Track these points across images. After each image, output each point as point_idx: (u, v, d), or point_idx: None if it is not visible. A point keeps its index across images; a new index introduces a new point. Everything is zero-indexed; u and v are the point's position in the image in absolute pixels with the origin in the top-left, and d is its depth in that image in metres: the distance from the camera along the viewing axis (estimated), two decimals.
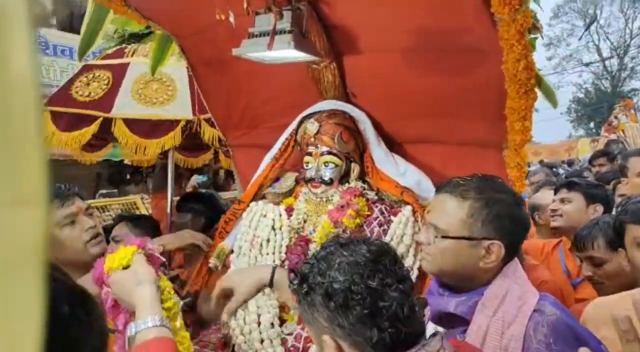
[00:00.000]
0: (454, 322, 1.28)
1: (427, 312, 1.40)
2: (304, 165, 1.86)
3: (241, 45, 1.54)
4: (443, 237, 1.27)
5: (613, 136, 8.82)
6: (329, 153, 1.81)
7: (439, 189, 1.39)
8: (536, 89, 1.52)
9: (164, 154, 3.28)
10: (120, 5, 1.69)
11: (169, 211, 3.14)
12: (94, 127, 2.74)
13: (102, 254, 1.72)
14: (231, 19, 1.34)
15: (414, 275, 1.57)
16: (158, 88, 2.92)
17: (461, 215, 1.26)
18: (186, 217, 2.80)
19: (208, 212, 2.78)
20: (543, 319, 1.17)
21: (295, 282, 1.04)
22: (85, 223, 1.71)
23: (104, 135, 2.96)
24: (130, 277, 1.29)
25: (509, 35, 1.34)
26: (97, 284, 1.35)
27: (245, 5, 1.40)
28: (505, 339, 1.17)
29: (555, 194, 2.71)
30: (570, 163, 11.63)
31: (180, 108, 2.90)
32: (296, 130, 1.92)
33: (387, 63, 1.79)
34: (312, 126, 1.83)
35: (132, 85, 2.88)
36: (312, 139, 1.83)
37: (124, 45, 3.04)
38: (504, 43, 1.38)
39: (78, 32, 2.05)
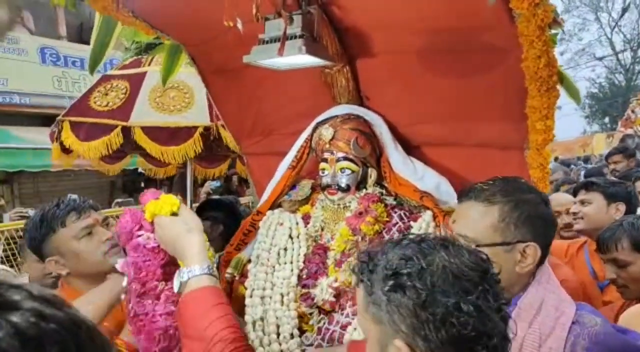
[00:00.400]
0: None
1: None
2: (320, 171, 1.82)
3: (251, 52, 1.51)
4: (476, 245, 1.19)
5: (630, 131, 8.69)
6: (345, 159, 1.77)
7: (460, 196, 1.35)
8: (558, 86, 1.47)
9: (183, 164, 3.32)
10: (127, 16, 1.67)
11: None
12: (114, 136, 2.78)
13: None
14: (239, 25, 1.31)
15: None
16: (175, 95, 2.96)
17: (491, 221, 1.23)
18: (204, 225, 2.79)
19: (227, 219, 2.76)
20: (583, 332, 1.12)
21: (367, 267, 0.92)
22: (103, 234, 1.71)
23: (125, 146, 2.99)
24: (180, 223, 1.30)
25: (529, 31, 1.29)
26: (124, 236, 1.37)
27: (254, 11, 1.36)
28: (542, 351, 1.12)
29: (574, 195, 2.65)
30: (586, 159, 11.48)
31: (197, 115, 2.93)
32: (311, 136, 1.88)
33: (402, 65, 1.74)
34: (327, 132, 1.80)
35: (149, 94, 2.93)
36: (328, 145, 1.79)
37: (141, 56, 3.07)
38: (524, 39, 1.33)
39: (88, 43, 2.06)
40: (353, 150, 1.76)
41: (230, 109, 2.29)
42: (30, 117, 3.02)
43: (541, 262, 1.25)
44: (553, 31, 1.40)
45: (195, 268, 1.21)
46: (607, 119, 26.12)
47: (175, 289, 1.23)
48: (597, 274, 2.46)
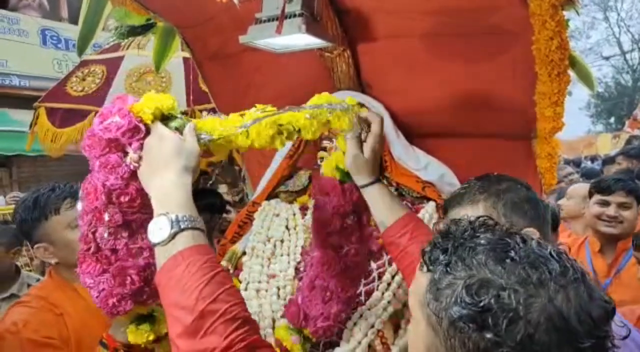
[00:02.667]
0: None
1: None
2: (318, 160, 1.75)
3: (248, 32, 1.44)
4: None
5: (636, 131, 8.61)
6: None
7: (446, 209, 1.32)
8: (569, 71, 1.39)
9: None
10: None
11: None
12: (88, 123, 2.69)
13: None
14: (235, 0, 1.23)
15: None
16: (152, 80, 2.89)
17: None
18: (202, 215, 2.74)
19: (222, 206, 2.77)
20: None
21: (443, 258, 0.70)
22: None
23: None
24: (180, 148, 0.98)
25: (541, 10, 1.21)
26: (107, 143, 0.98)
27: None
28: None
29: (598, 194, 2.51)
30: (593, 159, 11.39)
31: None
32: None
33: (406, 50, 1.67)
34: None
35: (125, 79, 2.86)
36: (326, 133, 1.72)
37: (121, 40, 3.01)
38: (536, 20, 1.25)
39: None
40: None
41: (226, 96, 2.21)
42: (29, 99, 2.97)
43: None
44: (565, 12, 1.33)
45: (192, 217, 0.92)
46: (612, 119, 25.95)
47: (156, 239, 0.90)
48: (597, 272, 2.44)
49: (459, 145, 1.82)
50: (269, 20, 1.40)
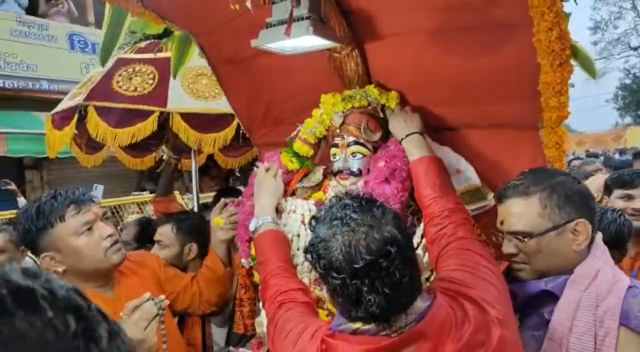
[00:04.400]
0: (541, 304, 1.31)
1: None
2: (331, 157, 1.81)
3: (259, 36, 1.50)
4: (531, 238, 1.31)
5: None
6: (356, 143, 1.75)
7: (499, 198, 1.44)
8: (572, 61, 1.42)
9: (179, 155, 3.25)
10: (137, 7, 1.69)
11: (196, 209, 3.15)
12: (151, 123, 2.69)
13: (121, 263, 1.70)
14: (248, 4, 1.30)
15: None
16: (207, 83, 2.88)
17: (535, 210, 1.32)
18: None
19: None
20: None
21: (313, 225, 1.17)
22: (103, 230, 1.62)
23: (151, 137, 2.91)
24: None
25: (539, 2, 1.25)
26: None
27: None
28: (600, 310, 1.18)
29: (620, 189, 2.47)
30: (621, 152, 11.13)
31: None
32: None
33: (412, 47, 1.71)
34: (337, 117, 1.79)
35: (181, 80, 2.83)
36: (338, 130, 1.78)
37: (156, 40, 2.96)
38: (535, 11, 1.29)
39: None
40: (364, 134, 1.74)
41: (241, 100, 2.29)
42: (58, 103, 3.03)
43: (593, 238, 1.32)
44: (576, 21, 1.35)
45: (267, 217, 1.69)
46: None
47: (252, 228, 1.71)
48: (620, 266, 2.40)
49: (468, 136, 1.85)
50: (278, 24, 1.47)
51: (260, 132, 2.35)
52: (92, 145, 3.20)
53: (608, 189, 2.55)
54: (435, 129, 1.90)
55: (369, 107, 1.79)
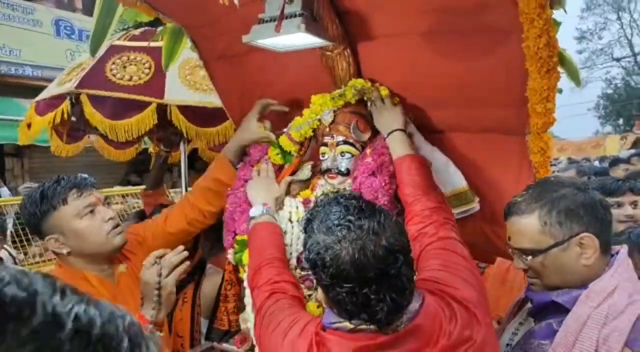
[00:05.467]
0: (551, 314, 1.29)
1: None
2: (320, 156, 1.82)
3: (251, 32, 1.50)
4: (535, 256, 1.29)
5: None
6: (345, 143, 1.76)
7: (505, 216, 1.42)
8: (559, 68, 1.44)
9: (170, 148, 3.17)
10: None
11: None
12: (148, 115, 2.58)
13: (123, 246, 1.73)
14: (235, 1, 1.30)
15: None
16: (205, 75, 2.63)
17: (536, 228, 1.29)
18: None
19: None
20: None
21: (308, 228, 1.15)
22: (105, 213, 1.68)
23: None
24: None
25: (529, 9, 1.27)
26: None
27: None
28: (607, 329, 1.14)
29: (607, 197, 2.48)
30: (601, 160, 11.33)
31: None
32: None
33: (403, 48, 1.73)
34: (327, 116, 1.79)
35: (178, 71, 2.74)
36: (328, 129, 1.79)
37: (150, 28, 2.86)
38: (524, 18, 1.31)
39: None
40: (353, 134, 1.75)
41: (232, 95, 2.28)
42: (42, 90, 2.89)
43: (607, 248, 1.28)
44: (566, 28, 1.37)
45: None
46: (621, 121, 25.74)
47: (253, 214, 1.72)
48: None
49: (456, 139, 1.87)
50: (271, 21, 1.46)
51: None
52: (74, 135, 3.10)
53: None
54: (422, 131, 1.92)
55: (361, 104, 1.81)
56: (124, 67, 2.71)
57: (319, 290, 1.14)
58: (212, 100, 2.63)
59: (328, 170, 1.78)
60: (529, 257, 1.30)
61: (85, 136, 3.16)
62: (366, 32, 1.73)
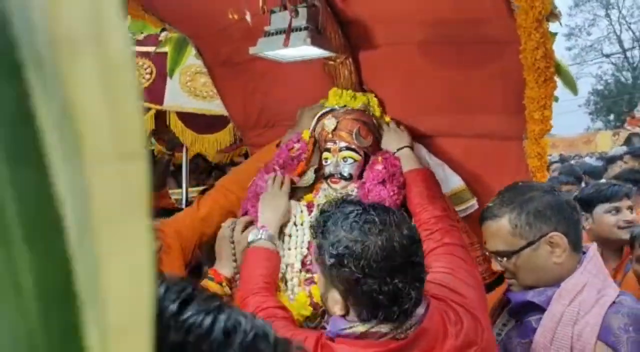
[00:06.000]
0: (529, 312, 1.35)
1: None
2: (323, 161, 1.87)
3: (257, 44, 1.55)
4: (508, 258, 1.36)
5: (637, 129, 8.66)
6: (348, 148, 1.81)
7: (480, 220, 1.48)
8: (556, 78, 1.50)
9: (171, 149, 3.20)
10: (137, 10, 1.71)
11: (184, 205, 3.10)
12: (148, 120, 2.60)
13: None
14: (247, 17, 1.35)
15: None
16: (206, 81, 2.74)
17: (507, 230, 1.36)
18: None
19: None
20: (623, 310, 1.20)
21: (320, 231, 1.14)
22: None
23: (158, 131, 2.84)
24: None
25: (526, 23, 1.33)
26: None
27: (260, 4, 1.41)
28: (579, 325, 1.21)
29: (605, 203, 2.43)
30: (594, 157, 11.45)
31: None
32: (314, 127, 1.92)
33: (404, 57, 1.78)
34: (329, 122, 1.84)
35: (179, 77, 2.75)
36: (330, 135, 1.84)
37: (154, 34, 2.89)
38: (522, 31, 1.36)
39: None
40: (355, 140, 1.80)
41: (235, 101, 2.33)
42: None
43: (577, 246, 1.36)
44: (553, 29, 1.44)
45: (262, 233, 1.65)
46: (611, 117, 25.99)
47: (249, 239, 1.66)
48: None
49: (454, 145, 1.93)
50: (277, 33, 1.52)
51: (253, 133, 2.39)
52: None
53: (588, 204, 2.46)
54: (420, 137, 1.98)
55: (363, 111, 1.86)
56: None
57: (333, 293, 1.12)
58: (212, 108, 2.67)
59: (331, 175, 1.83)
60: (504, 259, 1.37)
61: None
62: (367, 42, 1.78)
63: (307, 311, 1.60)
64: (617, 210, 2.39)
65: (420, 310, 1.10)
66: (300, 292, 1.65)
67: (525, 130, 1.66)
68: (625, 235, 2.34)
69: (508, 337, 1.41)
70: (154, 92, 2.70)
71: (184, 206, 3.14)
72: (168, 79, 2.68)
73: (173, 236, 1.88)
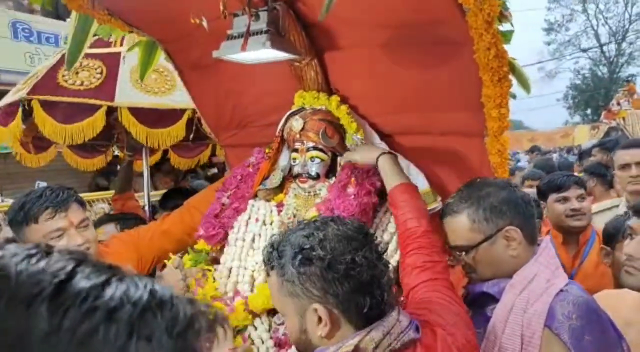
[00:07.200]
0: (486, 303, 1.41)
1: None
2: (292, 161, 1.91)
3: (220, 48, 1.58)
4: (467, 252, 1.41)
5: (613, 123, 8.81)
6: (315, 148, 1.85)
7: (440, 216, 1.54)
8: (510, 76, 1.55)
9: (133, 152, 3.20)
10: (103, 14, 1.73)
11: (147, 209, 3.13)
12: (99, 118, 2.62)
13: None
14: (204, 23, 1.38)
15: (394, 259, 1.62)
16: (157, 78, 2.83)
17: (466, 226, 1.42)
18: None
19: None
20: (568, 298, 1.26)
21: (275, 254, 1.10)
22: (72, 240, 1.63)
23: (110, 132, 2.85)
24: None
25: (477, 25, 1.38)
26: None
27: (221, 8, 1.43)
28: (528, 314, 1.26)
29: (554, 193, 2.57)
30: (569, 150, 11.64)
31: (183, 97, 2.73)
32: (282, 128, 1.96)
33: (367, 58, 1.83)
34: (297, 123, 1.88)
35: (130, 75, 2.79)
36: (298, 136, 1.88)
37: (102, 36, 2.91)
38: (474, 32, 1.41)
39: (63, 19, 1.98)
40: (322, 140, 1.84)
41: (207, 103, 2.36)
42: (1, 94, 2.84)
43: (532, 239, 1.42)
44: (506, 29, 1.48)
45: None
46: (589, 111, 26.39)
47: None
48: (562, 264, 2.53)
49: (419, 142, 1.98)
50: (238, 37, 1.54)
51: (226, 134, 2.42)
52: (39, 145, 3.10)
53: (543, 194, 2.65)
54: (387, 135, 2.03)
55: (329, 112, 1.90)
56: (77, 73, 2.75)
57: (310, 311, 1.06)
58: (163, 102, 2.71)
59: (299, 175, 1.87)
60: (463, 254, 1.43)
61: (53, 145, 3.16)
62: (331, 44, 1.82)
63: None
64: (566, 199, 2.53)
65: (411, 335, 1.08)
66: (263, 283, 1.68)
67: (485, 128, 1.72)
68: (573, 222, 2.49)
69: None
70: (105, 90, 2.71)
71: (147, 210, 3.15)
72: (119, 77, 2.72)
73: (130, 248, 1.91)
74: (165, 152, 3.63)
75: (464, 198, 1.45)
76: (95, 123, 2.65)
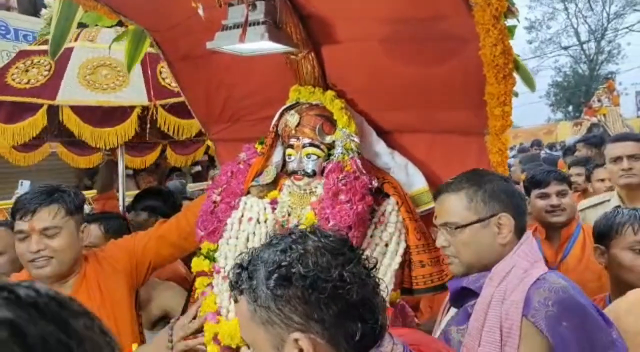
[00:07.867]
0: (467, 298, 1.40)
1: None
2: (286, 157, 1.85)
3: (215, 38, 1.51)
4: (457, 228, 1.40)
5: (594, 119, 8.94)
6: (311, 145, 1.79)
7: (435, 195, 1.54)
8: (514, 74, 1.52)
9: (111, 151, 3.12)
10: (88, 0, 1.64)
11: (121, 209, 3.06)
12: (40, 117, 2.55)
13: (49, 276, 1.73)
14: (200, 11, 1.31)
15: (395, 262, 1.59)
16: (108, 73, 2.76)
17: (463, 204, 1.41)
18: (141, 216, 2.76)
19: (165, 209, 2.70)
20: (545, 285, 1.26)
21: (244, 275, 0.90)
22: (30, 245, 1.66)
23: (45, 133, 2.76)
24: None
25: (484, 20, 1.34)
26: None
27: None
28: (506, 305, 1.25)
29: (535, 189, 2.60)
30: (551, 147, 11.78)
31: (134, 94, 2.72)
32: (277, 123, 1.89)
33: (366, 53, 1.77)
34: (292, 118, 1.82)
35: (77, 71, 2.72)
36: (293, 131, 1.82)
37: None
38: (480, 28, 1.37)
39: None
40: (318, 136, 1.78)
41: (198, 95, 2.28)
42: None
43: (521, 232, 1.41)
44: (511, 23, 1.45)
45: None
46: (570, 108, 26.80)
47: None
48: (545, 259, 2.54)
49: (418, 140, 1.94)
50: (234, 27, 1.48)
51: (216, 128, 2.34)
52: (29, 144, 3.00)
53: (527, 190, 2.65)
54: (385, 132, 1.98)
55: (325, 107, 1.84)
56: (26, 70, 2.70)
57: (289, 343, 0.87)
58: (111, 99, 2.63)
59: (294, 172, 1.81)
60: (453, 230, 1.40)
61: (46, 143, 3.09)
62: (329, 37, 1.76)
63: None
64: (545, 195, 2.54)
65: None
66: None
67: (486, 126, 1.68)
68: (552, 218, 2.52)
69: (448, 326, 1.43)
70: (48, 88, 2.65)
71: (121, 210, 3.08)
72: (66, 73, 2.65)
73: (126, 253, 1.92)
74: (162, 151, 3.56)
75: (466, 179, 1.45)
76: (36, 122, 2.59)
